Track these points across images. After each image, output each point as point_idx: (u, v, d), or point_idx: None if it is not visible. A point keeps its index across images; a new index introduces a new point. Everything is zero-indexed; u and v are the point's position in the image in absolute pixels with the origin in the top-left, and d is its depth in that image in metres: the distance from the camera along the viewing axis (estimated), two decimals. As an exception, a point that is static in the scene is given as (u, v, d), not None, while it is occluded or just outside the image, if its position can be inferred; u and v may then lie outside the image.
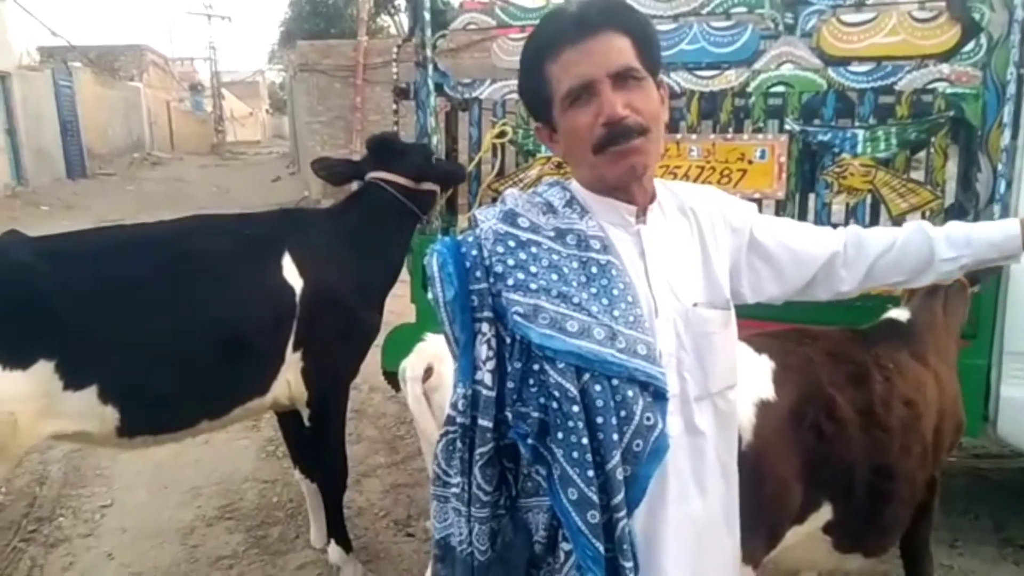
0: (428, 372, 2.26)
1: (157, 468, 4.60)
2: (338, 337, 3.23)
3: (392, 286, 3.63)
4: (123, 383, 2.74)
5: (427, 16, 4.08)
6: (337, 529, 3.60)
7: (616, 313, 1.27)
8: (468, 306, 1.27)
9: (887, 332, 2.48)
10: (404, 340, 3.09)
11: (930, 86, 3.34)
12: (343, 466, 3.58)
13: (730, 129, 3.72)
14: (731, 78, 3.61)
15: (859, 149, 3.44)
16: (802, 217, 4.05)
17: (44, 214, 15.03)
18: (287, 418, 3.59)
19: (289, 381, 3.21)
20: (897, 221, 3.45)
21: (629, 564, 1.25)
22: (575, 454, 1.21)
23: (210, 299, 2.94)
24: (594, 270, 1.29)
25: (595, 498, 1.21)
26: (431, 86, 4.11)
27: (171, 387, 2.86)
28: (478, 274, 1.28)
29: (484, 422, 1.25)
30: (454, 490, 1.30)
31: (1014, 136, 3.25)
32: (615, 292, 1.29)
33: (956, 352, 2.68)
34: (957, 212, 3.70)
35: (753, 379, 2.03)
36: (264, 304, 3.08)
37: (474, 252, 1.29)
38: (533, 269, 1.26)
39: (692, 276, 1.42)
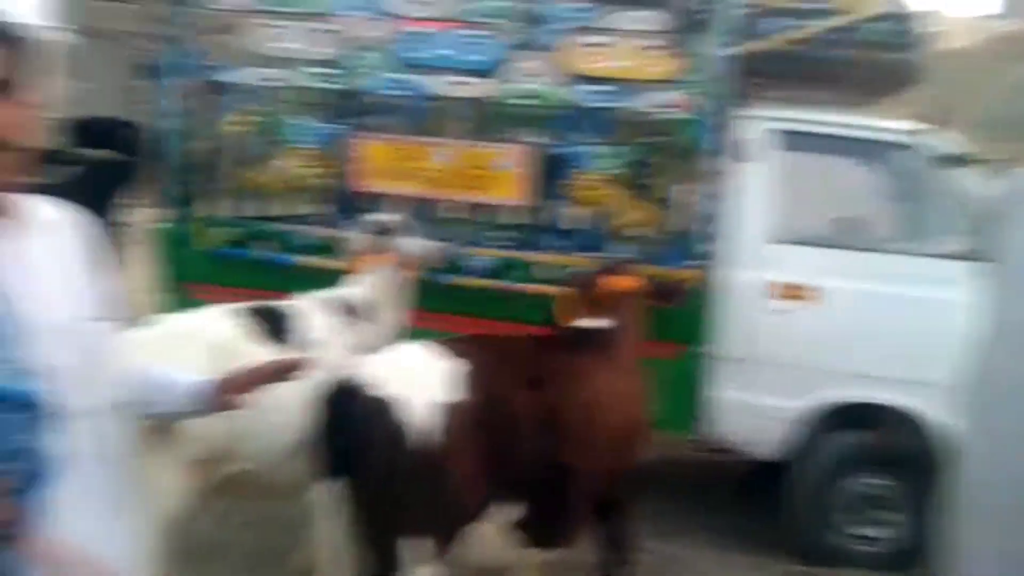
0: None
1: None
2: None
3: None
4: None
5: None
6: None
7: None
8: None
9: (575, 338, 2.65)
10: None
11: (656, 110, 3.61)
12: None
13: (477, 136, 3.83)
14: (479, 86, 3.71)
15: (595, 164, 3.66)
16: (545, 225, 4.26)
17: None
18: None
19: None
20: (621, 233, 3.71)
21: None
22: None
23: None
24: None
25: None
26: (177, 65, 3.92)
27: None
28: None
29: None
30: None
31: (725, 160, 3.61)
32: None
33: (641, 357, 2.91)
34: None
35: (439, 382, 2.09)
36: None
37: None
38: None
39: (74, 290, 1.37)
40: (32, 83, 1.25)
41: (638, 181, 3.76)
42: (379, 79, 3.78)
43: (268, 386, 1.59)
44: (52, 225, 1.36)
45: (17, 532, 1.11)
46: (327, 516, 2.11)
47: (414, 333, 2.77)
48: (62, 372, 1.24)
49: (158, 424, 2.23)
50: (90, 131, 4.11)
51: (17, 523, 1.11)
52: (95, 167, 4.16)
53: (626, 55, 3.59)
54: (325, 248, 3.77)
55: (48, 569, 1.14)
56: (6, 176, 1.24)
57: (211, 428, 2.43)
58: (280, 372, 1.58)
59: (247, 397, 1.57)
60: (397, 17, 3.76)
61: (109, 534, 1.31)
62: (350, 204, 3.92)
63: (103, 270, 1.43)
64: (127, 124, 4.40)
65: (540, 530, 2.38)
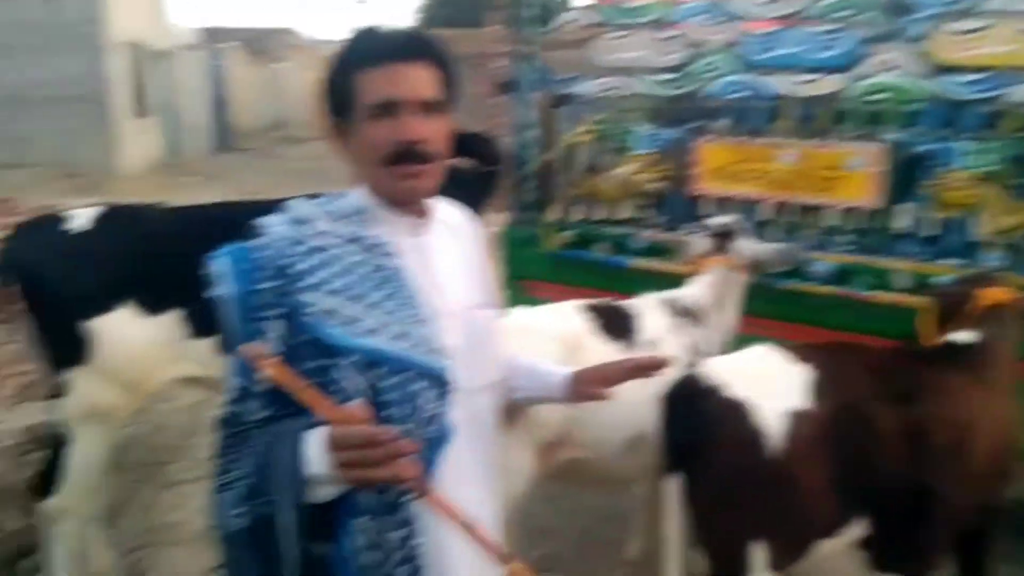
0: None
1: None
2: None
3: None
4: None
5: (529, 12, 4.21)
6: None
7: (404, 313, 1.37)
8: (251, 305, 1.32)
9: (945, 353, 2.40)
10: None
11: (1044, 99, 3.16)
12: None
13: (826, 135, 3.64)
14: (830, 83, 3.53)
15: (963, 162, 3.30)
16: (901, 229, 3.92)
17: (195, 183, 16.08)
18: None
19: None
20: (993, 239, 3.30)
21: (423, 539, 1.36)
22: None
23: None
24: (383, 273, 1.39)
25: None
26: (530, 80, 4.24)
27: None
28: (268, 274, 1.33)
29: (262, 414, 1.31)
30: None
31: None
32: (403, 293, 1.39)
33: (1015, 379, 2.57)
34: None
35: (790, 388, 2.04)
36: None
37: (264, 254, 1.34)
38: (326, 272, 1.34)
39: (466, 281, 1.54)
40: (454, 100, 1.46)
41: (1017, 180, 3.31)
42: (723, 82, 3.76)
43: (626, 382, 1.68)
44: (450, 223, 1.58)
45: (421, 487, 1.29)
46: (670, 512, 2.16)
47: (746, 338, 2.71)
48: (455, 352, 1.43)
49: (512, 407, 2.44)
50: (454, 144, 4.57)
51: (421, 479, 1.28)
52: (459, 176, 4.63)
53: (1007, 39, 3.17)
54: (658, 251, 3.84)
55: (443, 520, 1.32)
56: (433, 183, 1.47)
57: (554, 413, 2.60)
58: (638, 370, 1.66)
59: (608, 391, 1.67)
60: (743, 19, 3.72)
61: (480, 502, 1.47)
62: (687, 207, 3.96)
63: (485, 264, 1.63)
64: (485, 138, 4.85)
65: (890, 553, 2.22)
